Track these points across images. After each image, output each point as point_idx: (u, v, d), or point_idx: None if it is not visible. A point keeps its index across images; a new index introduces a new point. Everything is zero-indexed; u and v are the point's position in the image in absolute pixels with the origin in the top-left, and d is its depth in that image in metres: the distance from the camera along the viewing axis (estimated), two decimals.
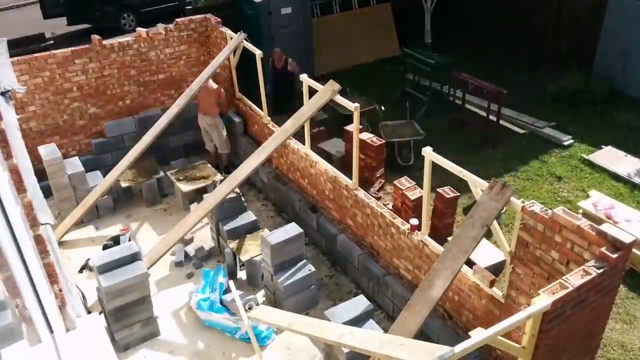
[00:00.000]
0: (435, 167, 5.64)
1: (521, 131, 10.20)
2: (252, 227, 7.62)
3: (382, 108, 10.14)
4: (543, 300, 4.04)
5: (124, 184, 8.79)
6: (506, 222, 7.73)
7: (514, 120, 10.44)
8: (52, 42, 10.84)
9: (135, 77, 9.44)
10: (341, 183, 7.27)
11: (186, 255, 7.82)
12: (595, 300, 4.45)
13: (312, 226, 7.91)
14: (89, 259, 7.77)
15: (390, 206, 7.74)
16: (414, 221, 6.20)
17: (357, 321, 5.91)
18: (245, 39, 8.69)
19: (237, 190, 7.54)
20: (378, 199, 7.68)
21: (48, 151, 8.25)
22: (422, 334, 5.59)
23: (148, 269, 6.95)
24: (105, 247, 7.76)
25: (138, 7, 16.30)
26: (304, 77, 7.47)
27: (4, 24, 16.70)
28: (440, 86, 10.79)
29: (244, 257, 7.19)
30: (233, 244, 7.34)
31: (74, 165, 8.55)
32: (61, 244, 8.00)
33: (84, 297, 6.78)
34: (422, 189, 6.55)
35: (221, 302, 6.61)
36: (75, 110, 9.14)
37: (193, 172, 8.94)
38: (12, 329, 3.34)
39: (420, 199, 6.85)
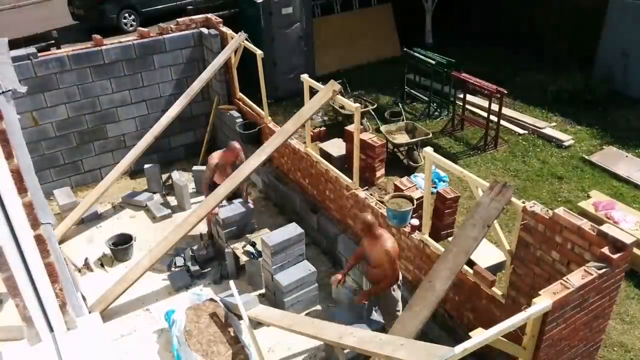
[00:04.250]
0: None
1: (521, 131, 10.19)
2: (252, 227, 7.62)
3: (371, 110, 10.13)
4: (544, 300, 4.05)
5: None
6: (506, 222, 7.72)
7: (514, 121, 10.43)
8: (53, 41, 10.82)
9: None
10: (342, 183, 7.27)
11: (186, 255, 7.82)
12: (595, 300, 4.45)
13: (312, 226, 7.91)
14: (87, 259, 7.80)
15: None
16: (415, 221, 6.19)
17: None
18: (246, 39, 8.69)
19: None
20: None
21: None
22: (423, 335, 5.60)
23: (149, 268, 6.98)
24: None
25: (139, 7, 16.30)
26: (304, 77, 7.48)
27: (4, 24, 16.70)
28: (441, 86, 10.80)
29: (244, 257, 7.19)
30: (233, 244, 7.34)
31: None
32: (61, 243, 8.01)
33: (83, 297, 6.79)
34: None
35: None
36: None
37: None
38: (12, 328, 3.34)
39: (420, 199, 6.84)
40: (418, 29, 13.86)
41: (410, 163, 9.18)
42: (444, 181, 8.64)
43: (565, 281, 4.19)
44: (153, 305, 7.05)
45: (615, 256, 4.25)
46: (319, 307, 6.98)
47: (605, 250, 4.29)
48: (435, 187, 8.20)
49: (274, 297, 6.92)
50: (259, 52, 8.34)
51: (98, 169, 9.58)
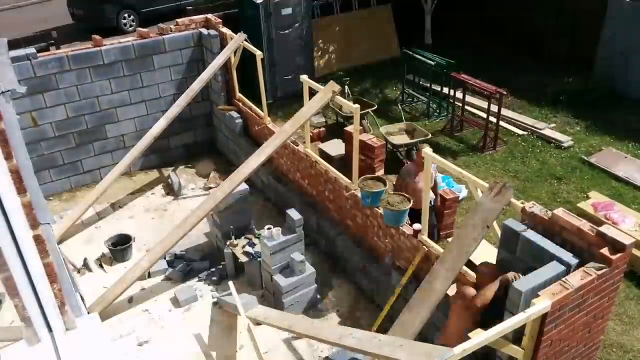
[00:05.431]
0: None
1: (521, 132, 10.20)
2: (252, 228, 7.61)
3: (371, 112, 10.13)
4: (543, 301, 4.04)
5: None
6: None
7: (513, 121, 10.44)
8: (52, 41, 10.81)
9: None
10: (341, 184, 7.27)
11: (185, 256, 7.82)
12: (594, 301, 4.45)
13: (312, 227, 7.91)
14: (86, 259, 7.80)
15: None
16: (417, 226, 6.16)
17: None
18: (246, 40, 8.69)
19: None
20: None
21: None
22: (422, 335, 5.59)
23: (148, 269, 6.98)
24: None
25: (138, 7, 16.31)
26: (304, 77, 7.48)
27: (4, 24, 16.70)
28: (440, 87, 10.81)
29: (243, 257, 7.19)
30: (232, 245, 7.34)
31: None
32: (60, 243, 8.00)
33: (82, 297, 6.78)
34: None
35: None
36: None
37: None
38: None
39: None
40: (418, 29, 13.86)
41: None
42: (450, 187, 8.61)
43: (564, 282, 4.19)
44: (152, 306, 7.05)
45: (614, 257, 4.24)
46: (318, 307, 6.98)
47: (605, 251, 4.29)
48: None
49: (273, 298, 6.91)
50: (258, 53, 8.34)
51: (97, 169, 9.57)
